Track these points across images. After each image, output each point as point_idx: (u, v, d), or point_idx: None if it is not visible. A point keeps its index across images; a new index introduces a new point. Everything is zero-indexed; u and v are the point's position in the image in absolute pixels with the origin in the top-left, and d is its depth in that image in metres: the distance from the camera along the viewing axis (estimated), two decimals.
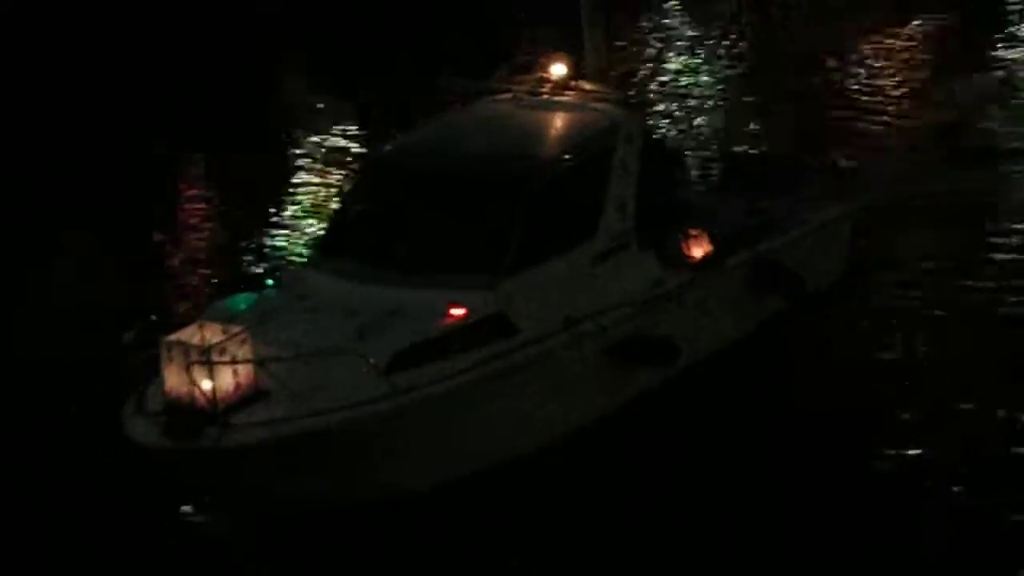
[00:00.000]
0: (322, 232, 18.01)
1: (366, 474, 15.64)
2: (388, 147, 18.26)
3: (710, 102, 27.88)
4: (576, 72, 19.20)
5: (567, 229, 17.50)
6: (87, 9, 31.66)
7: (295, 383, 15.13)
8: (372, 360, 15.34)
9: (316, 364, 15.28)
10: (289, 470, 15.07)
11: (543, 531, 15.83)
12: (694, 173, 22.45)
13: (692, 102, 27.62)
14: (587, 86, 19.06)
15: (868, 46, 30.26)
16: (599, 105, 18.65)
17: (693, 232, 18.44)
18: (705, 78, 29.14)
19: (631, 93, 26.51)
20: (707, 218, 19.22)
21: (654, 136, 19.47)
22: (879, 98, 27.54)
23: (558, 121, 18.44)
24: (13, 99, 28.23)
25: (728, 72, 29.49)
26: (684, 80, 28.97)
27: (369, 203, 17.89)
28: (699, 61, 30.40)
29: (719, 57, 30.44)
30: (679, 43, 31.37)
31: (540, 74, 19.34)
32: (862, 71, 28.98)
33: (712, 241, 18.45)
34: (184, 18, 31.77)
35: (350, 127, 24.82)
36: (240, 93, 27.85)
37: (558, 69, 19.15)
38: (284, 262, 17.51)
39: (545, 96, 19.01)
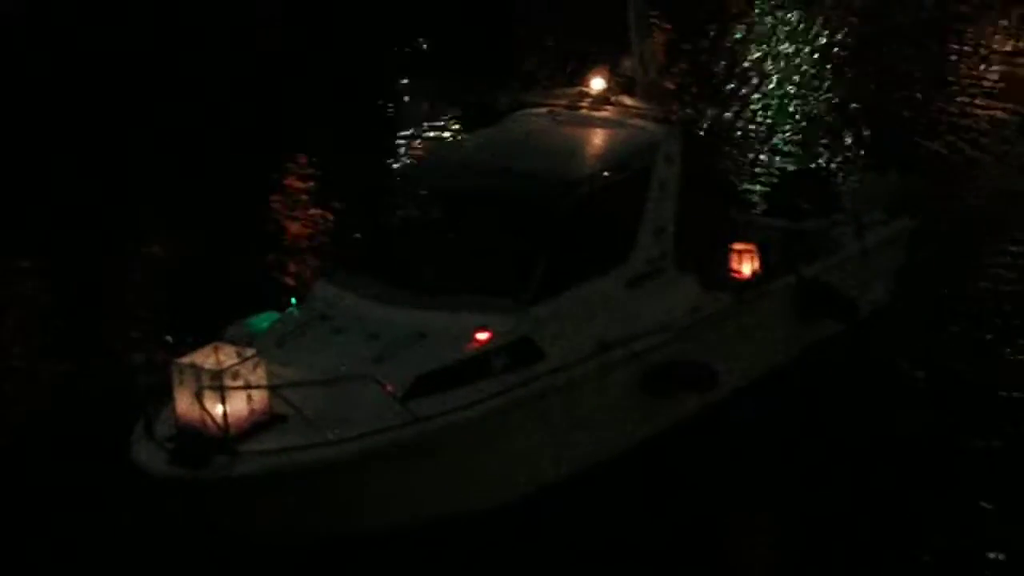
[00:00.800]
0: (347, 249, 17.45)
1: (383, 504, 15.07)
2: (416, 163, 17.66)
3: (772, 118, 27.10)
4: (618, 86, 18.50)
5: (600, 252, 16.91)
6: (87, 10, 31.15)
7: (311, 409, 14.59)
8: (390, 387, 14.76)
9: (333, 390, 14.72)
10: (302, 500, 14.52)
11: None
12: (742, 190, 21.71)
13: (755, 117, 26.86)
14: (627, 101, 18.40)
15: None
16: (638, 122, 18.01)
17: (741, 247, 17.85)
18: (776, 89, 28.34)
19: (684, 108, 25.89)
20: (750, 238, 18.62)
21: (701, 155, 18.72)
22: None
23: (594, 139, 17.82)
24: (13, 99, 27.76)
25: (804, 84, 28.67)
26: (750, 93, 28.15)
27: (395, 221, 17.35)
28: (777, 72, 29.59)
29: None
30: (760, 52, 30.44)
31: (580, 88, 18.68)
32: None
33: (761, 257, 17.76)
34: (184, 18, 31.19)
35: (378, 139, 24.22)
36: (255, 94, 27.27)
37: (597, 83, 18.53)
38: (308, 280, 16.89)
39: (583, 111, 18.35)
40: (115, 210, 23.02)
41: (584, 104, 18.48)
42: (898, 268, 20.15)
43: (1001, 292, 20.56)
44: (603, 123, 18.05)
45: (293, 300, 16.67)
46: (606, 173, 17.19)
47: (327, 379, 14.81)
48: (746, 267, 17.89)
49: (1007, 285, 20.74)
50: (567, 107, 18.50)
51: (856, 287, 19.00)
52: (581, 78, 18.78)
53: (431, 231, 17.00)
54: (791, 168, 23.85)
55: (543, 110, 18.57)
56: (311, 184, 23.15)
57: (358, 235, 17.63)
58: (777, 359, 18.39)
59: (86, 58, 29.28)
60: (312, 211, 22.05)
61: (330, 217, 21.57)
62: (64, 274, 21.04)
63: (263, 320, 16.46)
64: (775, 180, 22.53)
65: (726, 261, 18.06)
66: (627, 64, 18.27)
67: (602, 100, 18.46)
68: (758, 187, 22.34)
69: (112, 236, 22.33)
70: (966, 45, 30.98)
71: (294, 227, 21.92)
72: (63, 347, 18.84)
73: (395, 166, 17.61)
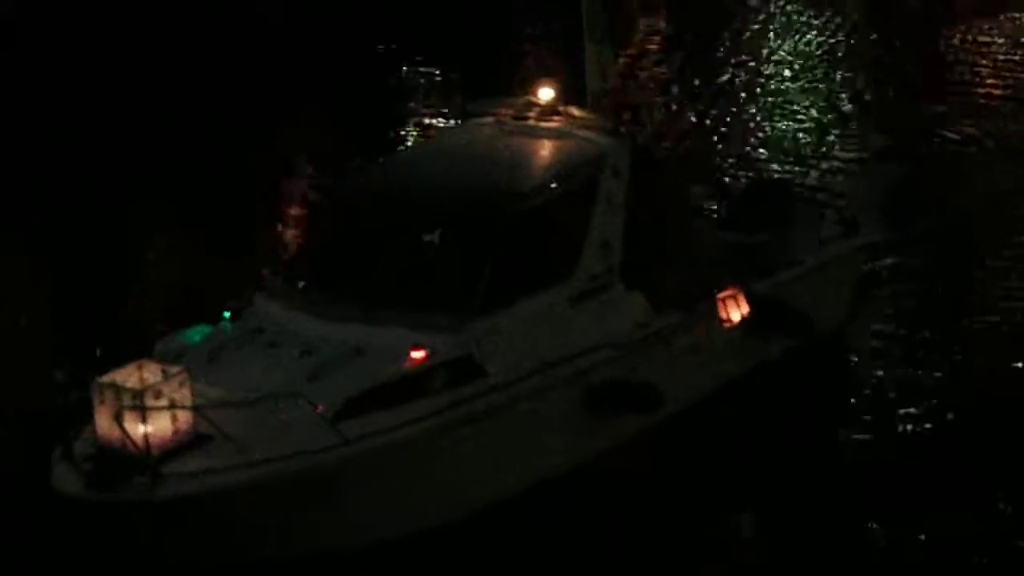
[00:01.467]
0: (286, 261, 16.97)
1: (313, 528, 14.61)
2: (360, 174, 17.19)
3: (731, 125, 26.62)
4: (566, 96, 18.06)
5: (544, 267, 16.47)
6: (86, 10, 30.67)
7: (237, 430, 14.14)
8: (320, 407, 14.30)
9: (261, 409, 14.25)
10: (225, 524, 14.05)
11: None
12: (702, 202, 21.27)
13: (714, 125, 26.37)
14: (576, 112, 17.95)
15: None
16: (586, 133, 17.55)
17: (728, 292, 17.45)
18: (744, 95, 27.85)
19: (648, 115, 25.44)
20: (703, 252, 18.19)
21: (653, 167, 18.28)
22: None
23: (539, 151, 17.37)
24: (11, 100, 27.31)
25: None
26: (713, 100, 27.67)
27: (335, 232, 16.88)
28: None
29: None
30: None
31: (528, 97, 18.23)
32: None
33: (749, 300, 17.47)
34: (185, 19, 30.70)
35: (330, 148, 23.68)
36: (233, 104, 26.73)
37: (545, 93, 18.06)
38: (246, 291, 16.37)
39: (531, 122, 17.90)
40: (51, 213, 22.41)
41: (532, 114, 18.00)
42: (856, 282, 19.69)
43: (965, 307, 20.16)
44: (550, 134, 17.60)
45: (227, 313, 16.12)
46: (551, 186, 16.73)
47: (252, 399, 14.33)
48: (734, 313, 17.56)
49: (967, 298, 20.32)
50: (515, 117, 18.02)
51: (813, 302, 18.53)
52: (529, 87, 18.28)
53: (371, 244, 16.51)
54: (760, 178, 23.41)
55: (490, 119, 18.10)
56: (262, 189, 22.50)
57: (298, 245, 17.05)
58: (729, 377, 17.91)
59: (82, 60, 28.65)
60: (259, 218, 21.47)
61: (277, 225, 21.01)
62: None
63: (196, 333, 16.00)
64: (740, 190, 22.10)
65: (677, 277, 17.59)
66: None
67: (550, 110, 17.98)
68: (724, 197, 21.83)
69: (45, 241, 21.74)
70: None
71: (239, 234, 21.32)
72: None
73: (339, 176, 17.05)
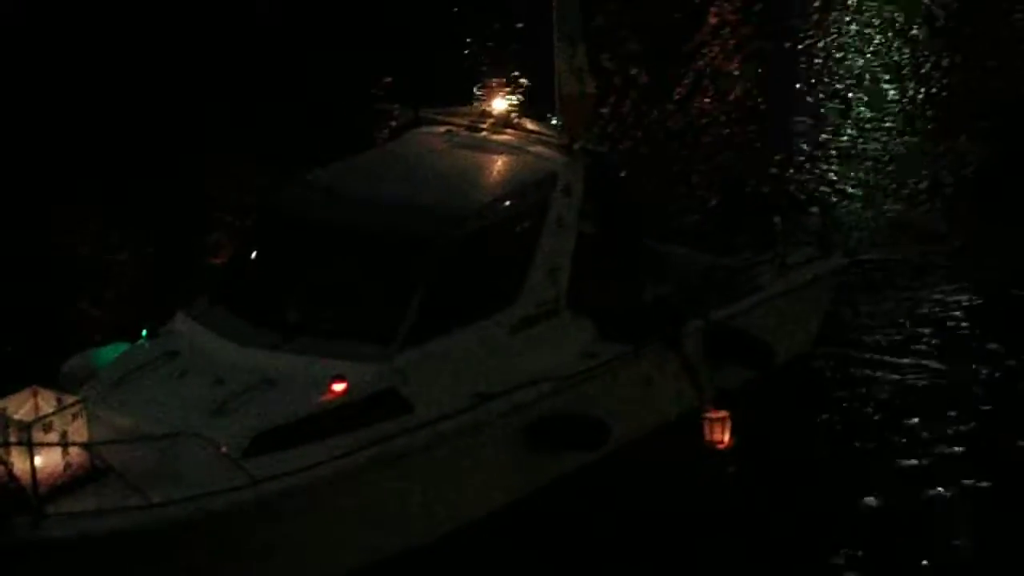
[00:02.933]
0: (211, 279, 15.98)
1: (214, 574, 13.71)
2: (291, 188, 16.17)
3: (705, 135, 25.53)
4: (520, 106, 17.09)
5: (484, 293, 15.54)
6: (86, 10, 29.86)
7: (134, 467, 13.23)
8: (225, 444, 13.39)
9: (161, 444, 13.35)
10: (112, 570, 13.14)
11: None
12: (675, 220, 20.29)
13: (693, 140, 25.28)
14: (529, 124, 16.95)
15: None
16: (538, 149, 16.56)
17: (715, 416, 16.35)
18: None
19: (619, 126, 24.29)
20: (664, 277, 17.23)
21: (611, 186, 17.26)
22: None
23: (487, 167, 16.40)
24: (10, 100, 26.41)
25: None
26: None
27: (262, 252, 15.90)
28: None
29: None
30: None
31: (482, 107, 17.24)
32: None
33: (733, 424, 16.34)
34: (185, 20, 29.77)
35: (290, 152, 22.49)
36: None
37: (498, 103, 17.09)
38: (171, 308, 15.43)
39: (483, 133, 16.91)
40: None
41: (485, 125, 17.02)
42: (827, 309, 18.68)
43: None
44: (500, 149, 16.63)
45: (144, 332, 15.19)
46: (495, 207, 15.76)
47: (152, 434, 13.43)
48: (719, 436, 16.40)
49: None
50: (467, 127, 17.04)
51: (776, 330, 17.55)
52: (483, 96, 17.29)
53: (296, 264, 15.54)
54: (733, 197, 22.38)
55: (441, 129, 17.12)
56: (206, 199, 21.49)
57: (224, 263, 16.00)
58: (681, 409, 16.93)
59: (83, 61, 27.79)
60: (197, 232, 20.42)
61: (215, 239, 19.97)
62: None
63: (110, 351, 15.10)
64: (712, 211, 21.11)
65: (631, 303, 16.63)
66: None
67: (503, 122, 17.01)
68: (694, 216, 20.82)
69: None
70: None
71: (174, 247, 20.29)
72: None
73: (271, 190, 16.04)
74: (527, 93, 17.57)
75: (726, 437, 16.38)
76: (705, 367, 17.04)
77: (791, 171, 23.42)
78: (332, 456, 13.91)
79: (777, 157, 23.90)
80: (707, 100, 26.50)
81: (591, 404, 15.91)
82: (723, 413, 16.40)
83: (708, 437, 16.38)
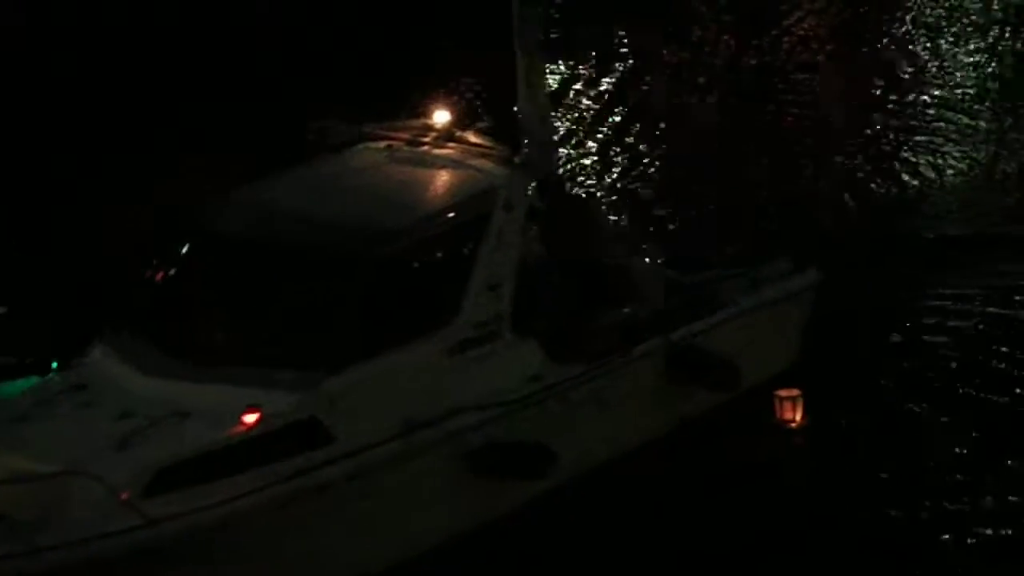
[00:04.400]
0: (128, 305, 15.12)
1: None
2: (213, 205, 15.34)
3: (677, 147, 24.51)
4: (463, 119, 16.23)
5: (419, 314, 14.63)
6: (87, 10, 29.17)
7: (23, 508, 12.39)
8: (122, 482, 12.53)
9: (53, 484, 12.50)
10: None
11: None
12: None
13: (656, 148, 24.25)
14: (472, 138, 16.07)
15: None
16: (480, 162, 15.67)
17: (786, 394, 16.21)
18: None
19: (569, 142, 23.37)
20: (623, 294, 16.31)
21: (562, 199, 16.41)
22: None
23: (425, 181, 15.52)
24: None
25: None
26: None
27: (181, 274, 15.02)
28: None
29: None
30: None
31: (423, 120, 16.38)
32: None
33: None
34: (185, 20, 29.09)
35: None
36: None
37: (440, 116, 16.22)
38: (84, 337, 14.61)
39: (425, 147, 16.05)
40: None
41: (427, 139, 16.15)
42: (804, 327, 17.65)
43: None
44: (440, 163, 15.75)
45: (55, 364, 14.37)
46: (430, 221, 14.88)
47: (42, 472, 12.59)
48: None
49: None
50: (408, 142, 16.17)
51: (745, 349, 16.57)
52: (425, 108, 16.44)
53: (218, 288, 14.70)
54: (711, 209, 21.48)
55: (382, 144, 16.26)
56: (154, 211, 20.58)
57: (138, 287, 15.11)
58: (641, 436, 15.97)
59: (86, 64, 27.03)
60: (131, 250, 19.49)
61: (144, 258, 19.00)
62: None
63: (14, 387, 14.26)
64: (684, 224, 20.20)
65: (583, 323, 15.69)
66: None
67: (446, 136, 16.13)
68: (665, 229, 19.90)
69: None
70: None
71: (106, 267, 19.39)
72: None
73: (191, 209, 15.22)
74: (472, 106, 16.52)
75: (798, 416, 16.08)
76: (667, 389, 16.09)
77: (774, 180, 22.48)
78: (240, 492, 12.99)
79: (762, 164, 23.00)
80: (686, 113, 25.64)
81: (536, 431, 14.96)
82: (795, 391, 16.13)
83: (779, 415, 16.11)
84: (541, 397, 15.09)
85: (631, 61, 27.17)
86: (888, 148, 24.05)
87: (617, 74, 26.59)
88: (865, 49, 28.36)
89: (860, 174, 23.08)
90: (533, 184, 15.62)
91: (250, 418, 13.35)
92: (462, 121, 16.27)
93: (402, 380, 14.27)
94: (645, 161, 23.20)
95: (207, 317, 14.48)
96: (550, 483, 15.02)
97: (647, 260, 17.52)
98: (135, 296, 15.10)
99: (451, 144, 16.04)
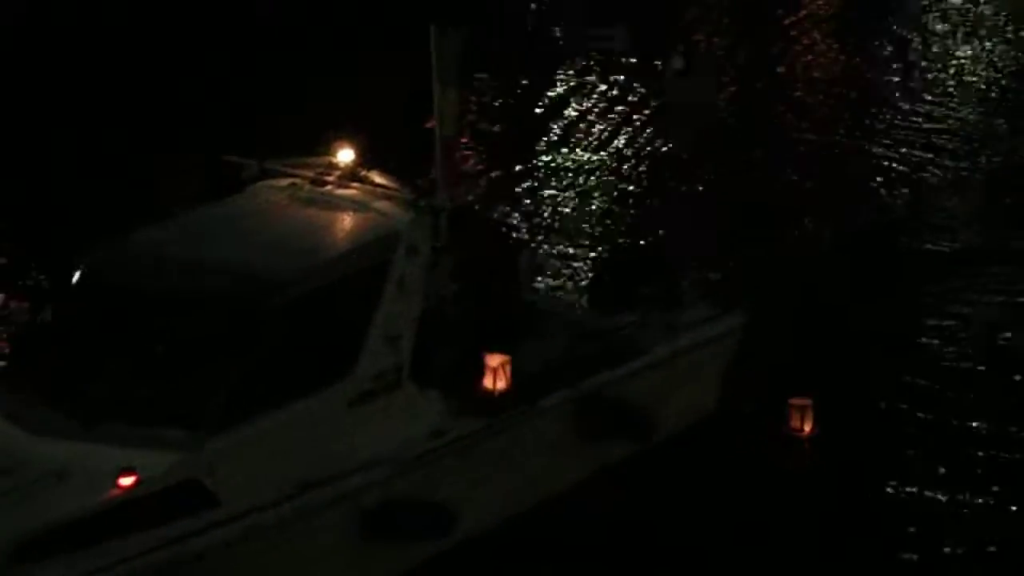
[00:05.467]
0: (13, 358, 14.44)
1: None
2: (100, 251, 14.66)
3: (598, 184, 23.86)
4: (366, 158, 15.56)
5: (313, 365, 14.01)
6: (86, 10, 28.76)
7: None
8: None
9: None
10: None
11: None
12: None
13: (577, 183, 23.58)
14: (377, 178, 15.43)
15: None
16: (383, 205, 15.03)
17: (797, 403, 16.11)
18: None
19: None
20: (534, 342, 15.65)
21: (472, 242, 15.80)
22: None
23: (325, 224, 14.92)
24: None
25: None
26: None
27: (67, 326, 14.37)
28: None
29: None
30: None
31: (329, 158, 15.72)
32: None
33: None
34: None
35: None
36: None
37: (345, 155, 15.57)
38: None
39: (328, 187, 15.40)
40: None
41: (331, 178, 15.50)
42: (724, 371, 17.07)
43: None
44: (342, 205, 15.14)
45: None
46: (327, 268, 14.25)
47: None
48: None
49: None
50: (312, 180, 15.52)
51: (661, 398, 15.98)
52: (331, 146, 15.77)
53: (103, 340, 13.99)
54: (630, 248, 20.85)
55: (285, 183, 15.60)
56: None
57: (24, 339, 14.43)
58: (551, 489, 15.37)
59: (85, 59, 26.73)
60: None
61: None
62: None
63: None
64: (602, 265, 19.57)
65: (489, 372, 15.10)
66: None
67: (350, 175, 15.48)
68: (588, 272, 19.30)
69: None
70: None
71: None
72: None
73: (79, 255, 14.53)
74: (377, 144, 15.89)
75: (807, 426, 16.09)
76: (579, 440, 15.51)
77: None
78: (109, 562, 12.36)
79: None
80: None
81: (437, 488, 14.37)
82: (806, 400, 16.14)
83: (790, 424, 16.15)
84: (442, 452, 14.51)
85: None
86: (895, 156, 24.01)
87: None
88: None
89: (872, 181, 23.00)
90: (443, 221, 14.96)
91: (126, 481, 12.71)
92: (368, 159, 15.54)
93: (294, 436, 13.68)
94: (586, 185, 22.68)
95: (93, 372, 13.77)
96: (451, 542, 14.40)
97: (561, 301, 16.93)
98: (24, 349, 14.44)
99: (355, 184, 15.40)
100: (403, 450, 14.26)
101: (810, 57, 29.38)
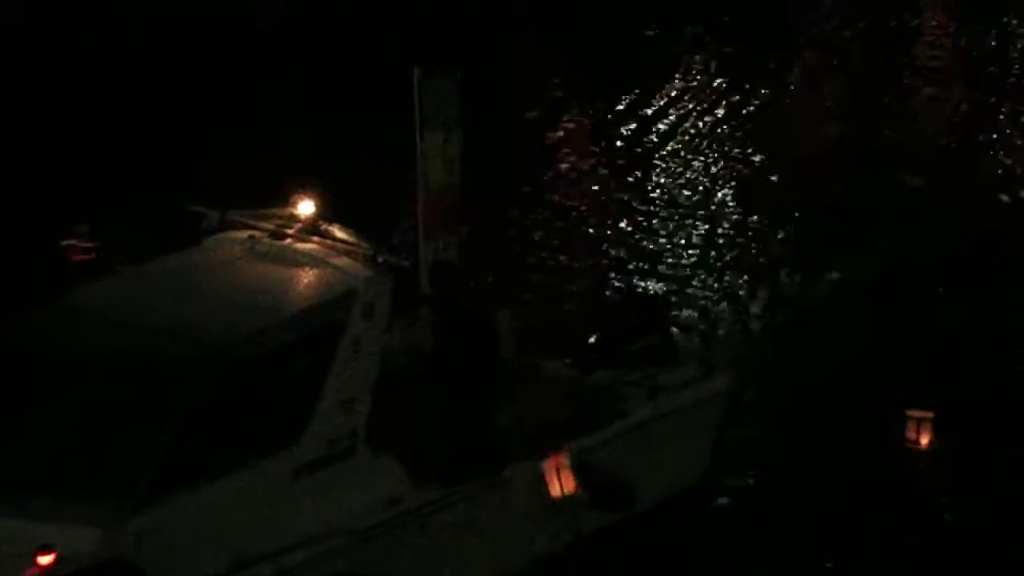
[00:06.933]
0: None
1: None
2: (29, 312, 13.96)
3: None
4: (328, 211, 14.85)
5: (258, 432, 13.24)
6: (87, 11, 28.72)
7: None
8: None
9: None
10: None
11: None
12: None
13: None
14: (338, 232, 14.69)
15: None
16: (341, 262, 14.27)
17: (918, 415, 16.37)
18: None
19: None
20: (505, 403, 14.89)
21: (456, 291, 15.12)
22: None
23: (279, 281, 14.14)
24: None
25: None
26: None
27: None
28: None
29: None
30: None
31: (290, 211, 15.00)
32: None
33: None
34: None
35: None
36: None
37: (305, 207, 14.85)
38: None
39: (288, 241, 14.66)
40: None
41: (291, 232, 14.77)
42: (712, 436, 16.22)
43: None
44: (299, 260, 14.38)
45: None
46: (276, 329, 13.48)
47: None
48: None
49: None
50: (272, 233, 14.80)
51: (641, 465, 15.16)
52: (294, 198, 15.04)
53: (28, 407, 13.25)
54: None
55: (244, 235, 14.89)
56: None
57: None
58: (520, 559, 14.57)
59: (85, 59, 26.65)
60: None
61: None
62: None
63: None
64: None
65: (450, 439, 14.32)
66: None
67: (310, 229, 14.74)
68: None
69: None
70: None
71: None
72: None
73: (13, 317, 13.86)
74: (356, 195, 15.21)
75: (925, 439, 16.03)
76: (552, 509, 14.71)
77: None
78: None
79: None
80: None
81: (393, 561, 13.59)
82: (928, 413, 16.06)
83: (907, 436, 16.08)
84: (398, 522, 13.70)
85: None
86: None
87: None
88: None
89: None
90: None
91: (44, 560, 11.94)
92: (330, 212, 14.83)
93: (235, 509, 12.90)
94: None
95: (16, 440, 13.03)
96: None
97: (541, 359, 16.14)
98: None
99: (315, 238, 14.64)
100: (356, 520, 13.47)
101: None
